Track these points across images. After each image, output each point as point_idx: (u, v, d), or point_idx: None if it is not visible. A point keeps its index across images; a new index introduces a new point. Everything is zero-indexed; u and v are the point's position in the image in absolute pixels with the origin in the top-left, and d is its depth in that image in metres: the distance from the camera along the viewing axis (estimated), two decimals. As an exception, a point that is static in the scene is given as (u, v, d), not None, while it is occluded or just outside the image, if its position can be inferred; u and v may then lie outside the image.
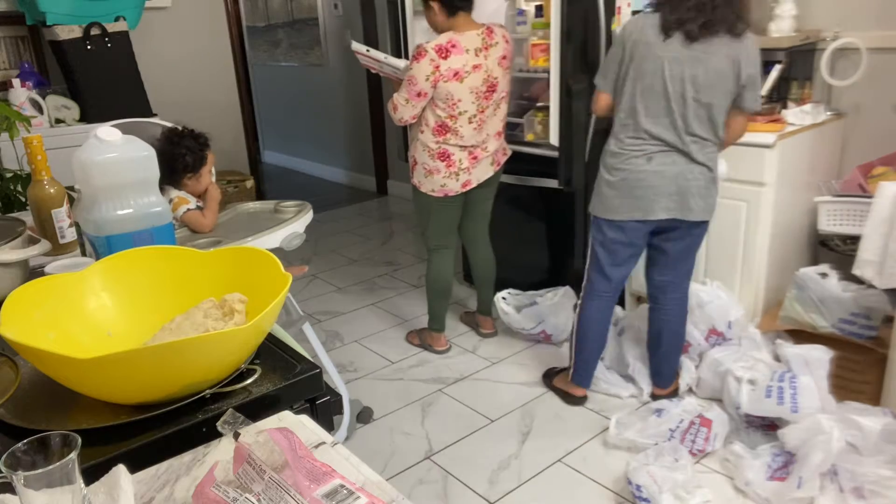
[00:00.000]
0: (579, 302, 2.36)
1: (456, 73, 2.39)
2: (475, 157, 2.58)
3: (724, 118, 2.04)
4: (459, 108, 2.46)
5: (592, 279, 2.29)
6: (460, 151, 2.55)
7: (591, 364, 2.41)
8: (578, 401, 2.46)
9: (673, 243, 2.19)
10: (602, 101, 2.15)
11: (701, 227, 2.17)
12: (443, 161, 2.55)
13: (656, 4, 2.00)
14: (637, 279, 2.67)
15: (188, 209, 2.04)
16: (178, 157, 2.09)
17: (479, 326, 3.05)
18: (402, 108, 2.48)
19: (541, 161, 2.83)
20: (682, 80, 1.96)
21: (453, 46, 2.38)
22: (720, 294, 2.51)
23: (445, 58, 2.37)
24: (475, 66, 2.41)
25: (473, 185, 2.61)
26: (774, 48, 2.57)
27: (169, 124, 2.21)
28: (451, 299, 2.97)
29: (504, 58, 2.50)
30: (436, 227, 2.73)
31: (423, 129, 2.53)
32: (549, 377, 2.61)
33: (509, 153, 2.74)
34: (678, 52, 1.94)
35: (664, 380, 2.41)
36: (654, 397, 2.43)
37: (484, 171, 2.63)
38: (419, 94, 2.43)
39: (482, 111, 2.51)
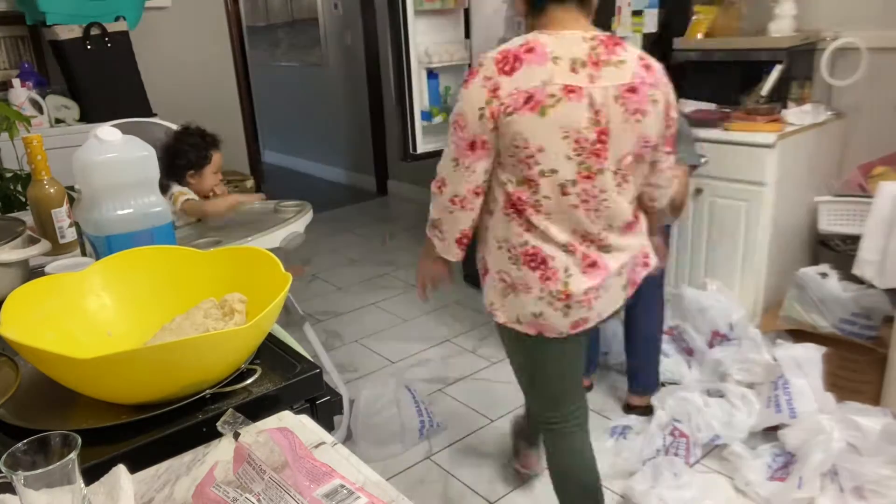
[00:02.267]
0: None
1: (529, 98, 1.32)
2: (594, 266, 1.44)
3: None
4: (542, 166, 1.35)
5: None
6: (564, 256, 1.42)
7: (585, 374, 2.38)
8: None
9: None
10: None
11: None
12: (534, 270, 1.43)
13: None
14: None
15: (187, 199, 2.04)
16: (181, 152, 2.09)
17: (628, 401, 2.40)
18: (450, 176, 1.43)
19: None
20: None
21: (529, 50, 1.33)
22: (720, 297, 2.50)
23: (510, 72, 1.33)
24: (569, 90, 1.31)
25: (592, 323, 1.50)
26: (774, 48, 2.57)
27: (168, 124, 2.21)
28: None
29: (632, 91, 1.35)
30: (543, 386, 1.63)
31: (491, 209, 1.47)
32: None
33: (653, 262, 1.57)
34: None
35: (640, 387, 2.37)
36: (629, 408, 2.38)
37: (611, 303, 1.51)
38: (472, 146, 1.38)
39: (589, 176, 1.37)
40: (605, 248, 1.45)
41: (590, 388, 2.50)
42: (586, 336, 1.57)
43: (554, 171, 1.36)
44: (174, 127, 2.20)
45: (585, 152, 1.35)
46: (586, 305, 1.45)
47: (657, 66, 1.45)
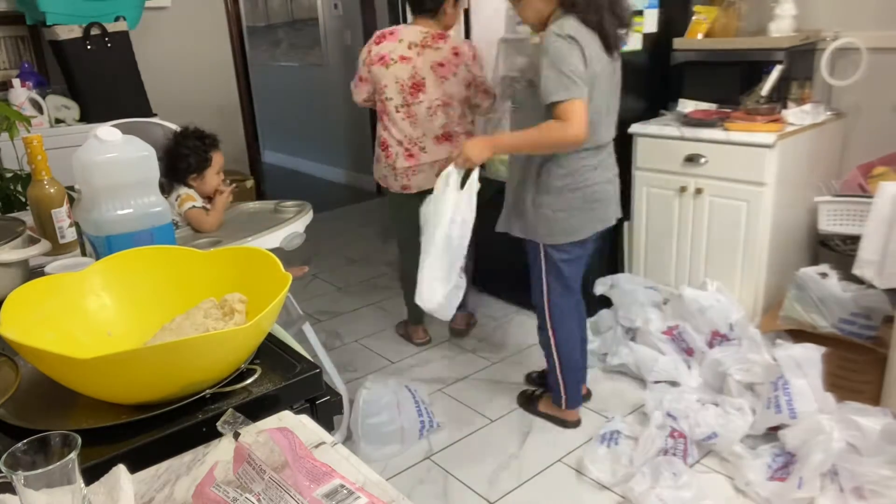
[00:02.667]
0: (552, 332, 2.24)
1: (382, 58, 2.51)
2: (412, 156, 2.60)
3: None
4: (386, 94, 2.54)
5: (559, 303, 2.21)
6: (396, 146, 2.61)
7: (581, 383, 2.36)
8: (576, 424, 2.35)
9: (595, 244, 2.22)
10: (586, 111, 1.86)
11: None
12: (383, 151, 2.65)
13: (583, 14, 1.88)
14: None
15: (193, 206, 2.04)
16: (181, 157, 2.09)
17: (451, 322, 2.98)
18: (352, 90, 2.68)
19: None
20: (610, 90, 2.02)
21: (391, 34, 2.52)
22: (719, 297, 2.51)
23: (378, 43, 2.52)
24: (402, 58, 2.49)
25: (414, 190, 2.64)
26: (774, 48, 2.57)
27: (168, 124, 2.21)
28: None
29: (441, 65, 2.50)
30: (397, 223, 2.84)
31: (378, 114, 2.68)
32: (532, 403, 2.47)
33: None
34: (609, 63, 1.97)
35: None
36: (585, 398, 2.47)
37: (426, 181, 2.58)
38: (361, 79, 2.60)
39: (409, 105, 2.55)
40: (419, 146, 2.61)
41: (587, 396, 2.49)
42: (419, 197, 2.31)
43: (390, 99, 2.56)
44: (174, 127, 2.19)
45: (406, 92, 2.54)
46: (406, 178, 2.65)
47: (464, 51, 2.56)
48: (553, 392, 2.35)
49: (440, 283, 2.00)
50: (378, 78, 2.53)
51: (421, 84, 2.51)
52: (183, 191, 2.09)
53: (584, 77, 1.84)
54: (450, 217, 1.97)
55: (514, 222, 2.17)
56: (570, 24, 1.86)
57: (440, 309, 2.02)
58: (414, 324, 3.00)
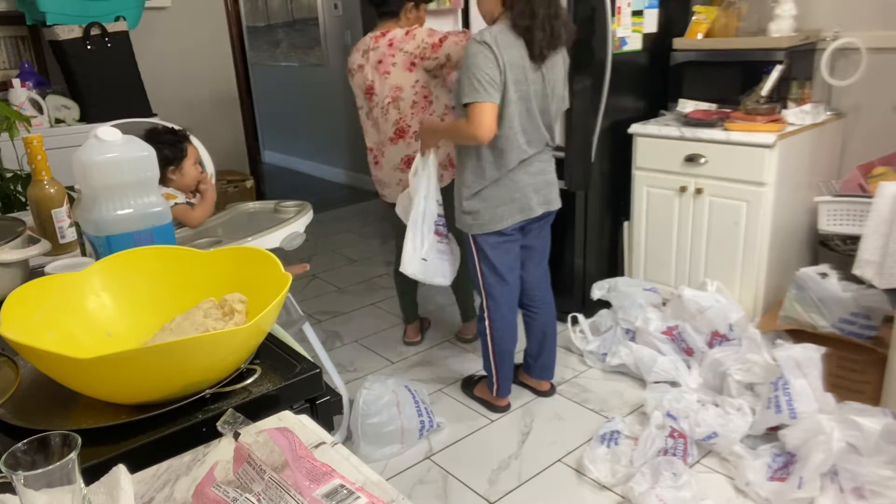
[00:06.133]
0: (487, 322, 2.35)
1: (349, 70, 2.61)
2: (377, 163, 2.68)
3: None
4: (358, 103, 2.65)
5: (493, 292, 2.31)
6: (369, 154, 2.72)
7: (511, 373, 2.45)
8: (504, 409, 2.47)
9: (539, 239, 2.33)
10: (492, 114, 1.99)
11: (552, 216, 2.32)
12: (370, 157, 2.75)
13: (513, 24, 2.00)
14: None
15: (176, 203, 2.04)
16: (157, 151, 2.09)
17: (459, 332, 3.04)
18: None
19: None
20: (541, 95, 2.09)
21: (355, 46, 2.60)
22: (719, 298, 2.51)
23: (351, 54, 2.63)
24: (360, 66, 2.55)
25: (389, 200, 2.70)
26: (774, 48, 2.57)
27: (168, 124, 2.21)
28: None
29: (380, 62, 2.49)
30: (391, 227, 2.88)
31: None
32: (469, 386, 2.61)
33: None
34: (535, 69, 2.05)
35: (551, 373, 2.54)
36: (544, 393, 2.55)
37: (393, 196, 2.60)
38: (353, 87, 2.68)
39: (371, 110, 2.60)
40: (380, 152, 2.66)
41: (550, 391, 2.56)
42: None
43: (361, 107, 2.65)
44: (176, 127, 2.20)
45: (366, 96, 2.58)
46: (381, 184, 2.75)
47: (397, 36, 2.47)
48: (487, 378, 2.48)
49: (415, 252, 2.31)
50: (352, 87, 2.63)
51: (371, 87, 2.53)
52: (161, 191, 2.09)
53: (495, 83, 1.97)
54: (423, 195, 2.28)
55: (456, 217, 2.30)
56: (492, 30, 2.00)
57: (418, 273, 2.33)
58: (406, 322, 3.03)
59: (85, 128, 3.12)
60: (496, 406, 2.49)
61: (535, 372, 2.53)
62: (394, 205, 2.53)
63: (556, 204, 2.29)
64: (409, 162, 2.52)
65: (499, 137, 2.07)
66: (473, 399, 2.56)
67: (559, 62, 2.12)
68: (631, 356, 2.55)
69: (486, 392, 2.52)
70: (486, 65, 1.95)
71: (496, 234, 2.21)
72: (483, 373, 2.63)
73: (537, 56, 2.02)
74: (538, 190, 2.21)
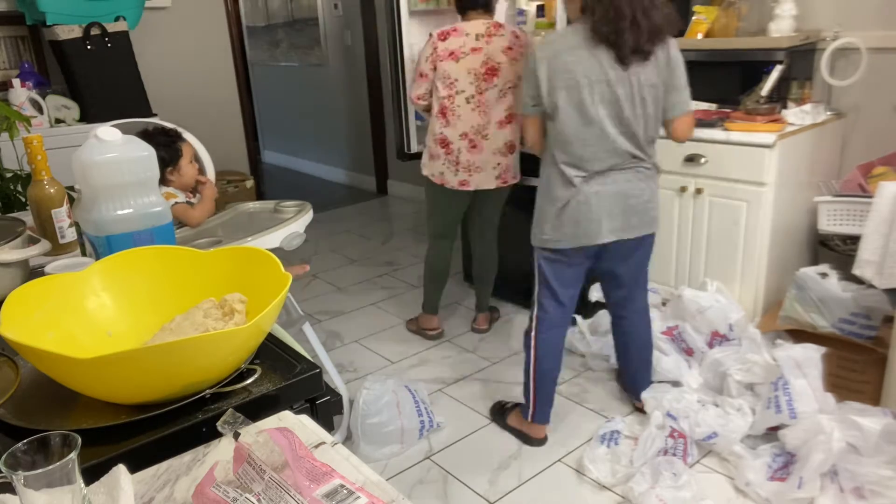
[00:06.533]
0: (533, 335, 2.19)
1: (452, 53, 2.54)
2: (475, 146, 2.62)
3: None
4: (457, 88, 2.57)
5: (545, 307, 2.17)
6: (459, 140, 2.62)
7: (551, 397, 2.25)
8: (541, 442, 2.26)
9: (623, 265, 2.14)
10: (532, 127, 2.06)
11: (641, 243, 2.10)
12: (443, 147, 2.64)
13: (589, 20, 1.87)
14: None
15: (176, 202, 2.04)
16: None
17: (474, 323, 3.09)
18: (410, 86, 2.75)
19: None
20: (628, 100, 1.91)
21: (454, 30, 2.56)
22: (719, 298, 2.51)
23: (444, 39, 2.55)
24: (474, 49, 2.55)
25: (471, 187, 2.68)
26: (774, 48, 2.57)
27: (169, 124, 2.21)
28: (447, 295, 3.04)
29: (510, 48, 2.56)
30: (436, 216, 2.86)
31: (432, 115, 2.67)
32: (501, 415, 2.39)
33: (518, 177, 2.76)
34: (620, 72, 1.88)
35: (640, 396, 2.33)
36: (639, 411, 2.37)
37: (485, 181, 2.68)
38: (421, 75, 2.63)
39: (481, 93, 2.57)
40: (483, 135, 2.62)
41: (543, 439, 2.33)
42: (470, 195, 2.75)
43: (463, 90, 2.58)
44: (168, 126, 2.20)
45: (480, 79, 2.57)
46: (468, 173, 2.66)
47: (522, 37, 2.62)
48: (523, 403, 2.28)
49: None
50: (447, 73, 2.56)
51: (495, 69, 2.55)
52: (162, 190, 2.09)
53: (538, 98, 1.96)
54: None
55: None
56: (552, 40, 1.97)
57: None
58: (428, 313, 3.04)
59: (85, 128, 3.12)
60: (531, 438, 2.26)
61: (629, 390, 2.40)
62: (466, 193, 2.70)
63: (639, 230, 2.04)
64: (511, 147, 2.66)
65: (555, 146, 1.98)
66: (507, 430, 2.35)
67: (657, 62, 1.89)
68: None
69: (520, 421, 2.30)
70: (533, 78, 1.96)
71: (553, 250, 2.07)
72: (514, 401, 2.43)
73: (626, 57, 1.84)
74: (612, 214, 1.98)
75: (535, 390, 2.22)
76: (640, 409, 2.36)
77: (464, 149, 2.63)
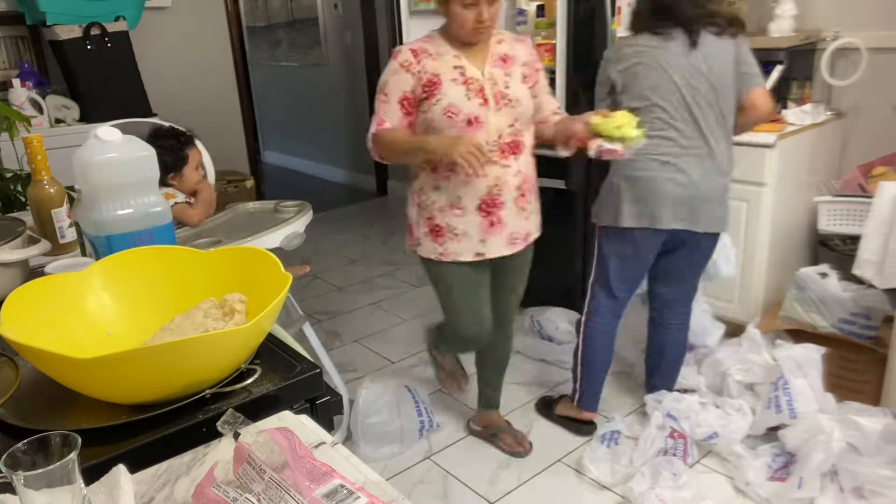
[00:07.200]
0: (584, 320, 2.21)
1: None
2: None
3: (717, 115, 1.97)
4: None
5: (598, 296, 2.17)
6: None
7: (599, 386, 2.26)
8: (590, 428, 2.27)
9: (678, 260, 2.10)
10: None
11: (713, 238, 2.06)
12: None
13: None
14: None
15: (175, 202, 2.04)
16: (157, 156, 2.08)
17: (472, 422, 2.36)
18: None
19: (545, 162, 2.81)
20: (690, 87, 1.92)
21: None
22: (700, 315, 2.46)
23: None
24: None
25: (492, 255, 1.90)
26: (774, 48, 2.57)
27: (169, 124, 2.21)
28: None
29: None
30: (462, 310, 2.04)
31: None
32: (549, 407, 2.41)
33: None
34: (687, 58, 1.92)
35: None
36: None
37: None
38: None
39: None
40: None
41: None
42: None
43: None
44: (181, 129, 2.19)
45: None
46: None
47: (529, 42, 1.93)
48: (571, 388, 2.30)
49: None
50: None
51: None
52: (162, 190, 2.08)
53: (604, 86, 2.03)
54: None
55: None
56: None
57: None
58: (450, 371, 2.38)
59: (85, 128, 3.12)
60: (581, 423, 2.26)
61: (650, 389, 2.33)
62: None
63: (706, 226, 1.98)
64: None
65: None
66: (556, 422, 2.34)
67: (723, 47, 1.92)
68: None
69: (569, 408, 2.31)
70: (601, 75, 2.05)
71: (616, 231, 2.03)
72: (561, 393, 2.45)
73: (692, 43, 1.90)
74: (678, 201, 1.94)
75: (582, 379, 2.25)
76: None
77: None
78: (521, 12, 3.03)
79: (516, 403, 2.51)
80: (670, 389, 2.29)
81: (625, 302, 2.19)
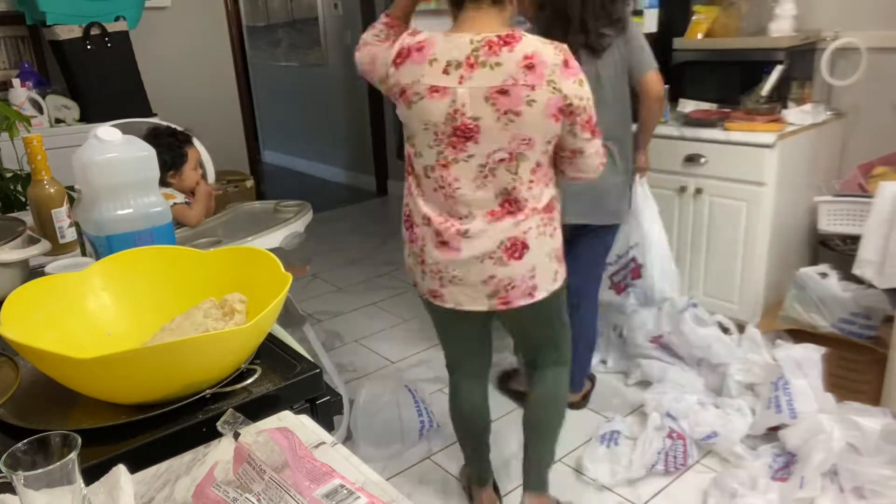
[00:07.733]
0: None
1: (403, 92, 1.49)
2: (445, 245, 1.54)
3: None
4: (416, 147, 1.55)
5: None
6: (423, 226, 1.57)
7: (585, 366, 2.40)
8: (577, 405, 2.42)
9: (580, 245, 2.17)
10: None
11: (600, 232, 2.17)
12: (407, 230, 1.64)
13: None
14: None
15: (174, 203, 2.04)
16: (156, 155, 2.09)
17: None
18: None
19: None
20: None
21: (419, 50, 1.48)
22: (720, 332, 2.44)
23: (398, 66, 1.49)
24: (433, 90, 1.45)
25: (449, 304, 1.60)
26: (774, 48, 2.57)
27: (169, 124, 2.21)
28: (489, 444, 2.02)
29: (502, 93, 1.40)
30: (442, 342, 1.86)
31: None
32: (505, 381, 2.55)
33: (540, 294, 1.58)
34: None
35: (575, 385, 2.33)
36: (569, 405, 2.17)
37: (470, 299, 1.57)
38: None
39: (445, 165, 1.49)
40: (459, 231, 1.52)
41: (581, 402, 2.44)
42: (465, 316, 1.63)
43: (420, 155, 1.54)
44: (179, 128, 2.20)
45: (443, 143, 1.48)
46: (436, 279, 1.59)
47: (547, 63, 1.41)
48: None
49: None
50: (404, 121, 1.55)
51: (468, 129, 1.45)
52: (162, 190, 2.09)
53: None
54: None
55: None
56: None
57: None
58: (476, 484, 2.00)
59: (85, 128, 3.11)
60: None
61: None
62: (453, 312, 1.63)
63: (598, 218, 2.08)
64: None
65: None
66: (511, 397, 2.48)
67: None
68: (639, 370, 2.53)
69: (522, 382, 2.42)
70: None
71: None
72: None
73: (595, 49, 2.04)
74: (577, 195, 1.95)
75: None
76: (570, 405, 2.30)
77: (430, 243, 1.57)
78: (521, 12, 3.02)
79: (514, 404, 2.51)
80: (583, 379, 2.42)
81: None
